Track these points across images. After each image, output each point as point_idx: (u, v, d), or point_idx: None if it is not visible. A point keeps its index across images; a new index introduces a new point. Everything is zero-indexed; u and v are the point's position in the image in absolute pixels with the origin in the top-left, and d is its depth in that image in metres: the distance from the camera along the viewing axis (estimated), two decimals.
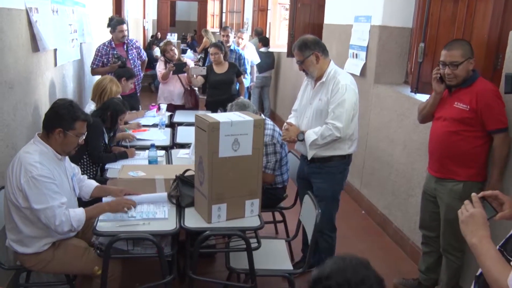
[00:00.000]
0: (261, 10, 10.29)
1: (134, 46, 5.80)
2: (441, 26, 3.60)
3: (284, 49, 8.38)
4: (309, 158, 3.12)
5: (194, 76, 5.58)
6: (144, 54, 6.03)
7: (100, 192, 2.91)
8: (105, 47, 5.56)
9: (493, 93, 2.72)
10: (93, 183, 2.96)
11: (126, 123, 4.44)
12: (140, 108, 5.73)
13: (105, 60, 5.51)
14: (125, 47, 5.66)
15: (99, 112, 3.68)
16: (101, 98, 4.07)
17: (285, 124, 3.28)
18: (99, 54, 5.53)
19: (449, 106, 2.84)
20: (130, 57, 5.64)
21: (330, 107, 3.00)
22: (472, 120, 2.73)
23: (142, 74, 6.00)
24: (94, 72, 5.65)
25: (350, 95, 3.00)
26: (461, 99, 2.78)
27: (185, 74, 5.68)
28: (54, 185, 2.44)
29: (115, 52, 5.49)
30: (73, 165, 2.88)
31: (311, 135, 3.05)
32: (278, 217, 3.92)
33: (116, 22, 5.66)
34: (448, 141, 2.82)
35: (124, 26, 5.64)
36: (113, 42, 5.60)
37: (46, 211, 2.39)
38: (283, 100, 8.38)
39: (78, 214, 2.51)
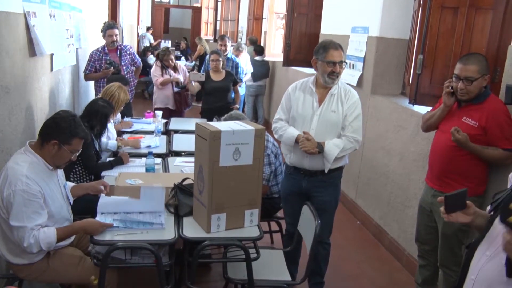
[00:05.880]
0: (256, 18, 10.31)
1: (128, 52, 5.74)
2: (440, 39, 3.62)
3: (278, 58, 8.40)
4: (326, 171, 3.01)
5: (192, 82, 5.59)
6: (138, 60, 5.97)
7: (78, 191, 2.85)
8: (98, 53, 5.49)
9: (505, 113, 2.68)
10: (69, 184, 2.88)
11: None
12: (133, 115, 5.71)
13: (98, 65, 5.45)
14: (118, 53, 5.60)
15: (86, 118, 3.53)
16: None
17: (301, 134, 3.02)
18: (92, 59, 5.47)
19: (457, 119, 2.79)
20: (123, 63, 5.59)
21: (347, 120, 2.97)
22: (479, 136, 2.69)
23: (136, 81, 5.96)
24: (87, 77, 5.60)
25: (361, 109, 3.04)
26: (471, 115, 2.73)
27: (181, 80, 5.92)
28: (36, 203, 2.35)
29: (107, 57, 5.45)
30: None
31: (333, 148, 2.93)
32: (274, 226, 3.91)
33: (107, 26, 5.59)
34: (450, 155, 2.78)
35: (115, 31, 5.54)
36: (106, 48, 5.54)
37: (19, 229, 2.32)
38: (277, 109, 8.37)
39: (48, 236, 2.38)
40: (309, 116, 3.03)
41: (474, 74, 2.67)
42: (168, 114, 5.81)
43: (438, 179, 2.91)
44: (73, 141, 2.49)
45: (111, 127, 4.13)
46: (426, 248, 3.11)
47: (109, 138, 4.03)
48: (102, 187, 2.89)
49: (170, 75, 5.93)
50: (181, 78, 6.02)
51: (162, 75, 5.94)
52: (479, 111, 2.71)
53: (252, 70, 7.78)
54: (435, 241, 3.01)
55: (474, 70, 2.67)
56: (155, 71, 5.99)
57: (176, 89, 5.97)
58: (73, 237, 2.67)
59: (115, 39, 5.54)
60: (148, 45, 13.38)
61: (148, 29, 15.75)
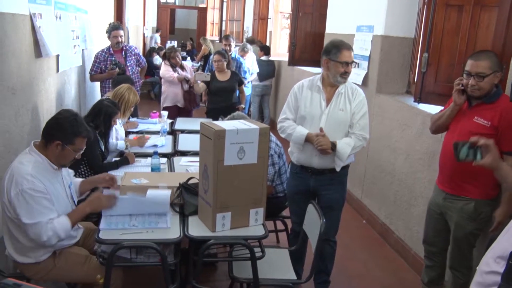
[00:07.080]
0: (262, 18, 10.32)
1: (133, 53, 5.78)
2: (445, 36, 3.61)
3: (284, 57, 8.39)
4: (338, 169, 3.03)
5: (198, 82, 5.61)
6: (143, 61, 6.03)
7: (87, 185, 2.87)
8: (103, 54, 5.54)
9: None
10: (78, 180, 2.90)
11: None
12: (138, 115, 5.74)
13: (103, 66, 5.49)
14: (123, 53, 5.64)
15: (90, 118, 3.55)
16: None
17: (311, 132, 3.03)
18: (97, 60, 5.51)
19: (468, 119, 2.73)
20: (128, 64, 5.63)
21: (355, 118, 2.99)
22: (491, 136, 2.54)
23: (141, 81, 5.99)
24: (92, 78, 5.64)
25: (367, 107, 3.06)
26: (482, 114, 2.67)
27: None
28: (45, 199, 2.38)
29: (113, 58, 5.48)
30: (69, 170, 2.82)
31: (345, 147, 2.96)
32: (280, 226, 3.90)
33: (111, 27, 5.64)
34: None
35: (120, 32, 5.59)
36: (111, 49, 5.58)
37: (33, 226, 2.34)
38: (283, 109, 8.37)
39: (63, 223, 2.43)
40: (317, 115, 3.03)
41: (486, 70, 2.62)
42: (176, 111, 5.89)
43: (450, 182, 2.84)
44: (76, 140, 2.50)
45: (119, 127, 4.15)
46: (433, 250, 3.08)
47: (118, 139, 4.05)
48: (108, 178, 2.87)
49: (179, 74, 5.99)
50: (188, 76, 6.08)
51: (174, 72, 6.03)
52: (491, 111, 2.65)
53: (258, 70, 7.79)
54: (442, 244, 2.98)
55: (485, 66, 2.63)
56: (166, 69, 6.03)
57: (186, 87, 6.00)
58: (79, 237, 2.69)
59: (120, 40, 5.57)
60: (154, 45, 13.45)
61: (157, 30, 15.92)
